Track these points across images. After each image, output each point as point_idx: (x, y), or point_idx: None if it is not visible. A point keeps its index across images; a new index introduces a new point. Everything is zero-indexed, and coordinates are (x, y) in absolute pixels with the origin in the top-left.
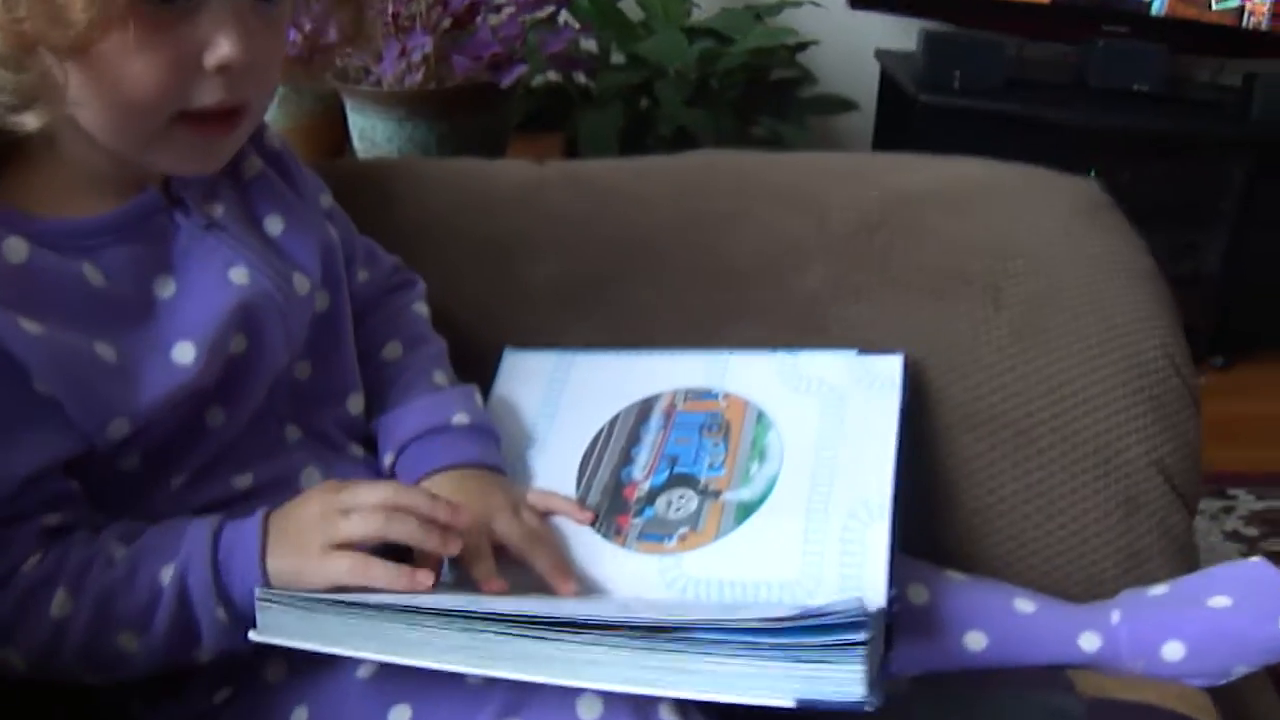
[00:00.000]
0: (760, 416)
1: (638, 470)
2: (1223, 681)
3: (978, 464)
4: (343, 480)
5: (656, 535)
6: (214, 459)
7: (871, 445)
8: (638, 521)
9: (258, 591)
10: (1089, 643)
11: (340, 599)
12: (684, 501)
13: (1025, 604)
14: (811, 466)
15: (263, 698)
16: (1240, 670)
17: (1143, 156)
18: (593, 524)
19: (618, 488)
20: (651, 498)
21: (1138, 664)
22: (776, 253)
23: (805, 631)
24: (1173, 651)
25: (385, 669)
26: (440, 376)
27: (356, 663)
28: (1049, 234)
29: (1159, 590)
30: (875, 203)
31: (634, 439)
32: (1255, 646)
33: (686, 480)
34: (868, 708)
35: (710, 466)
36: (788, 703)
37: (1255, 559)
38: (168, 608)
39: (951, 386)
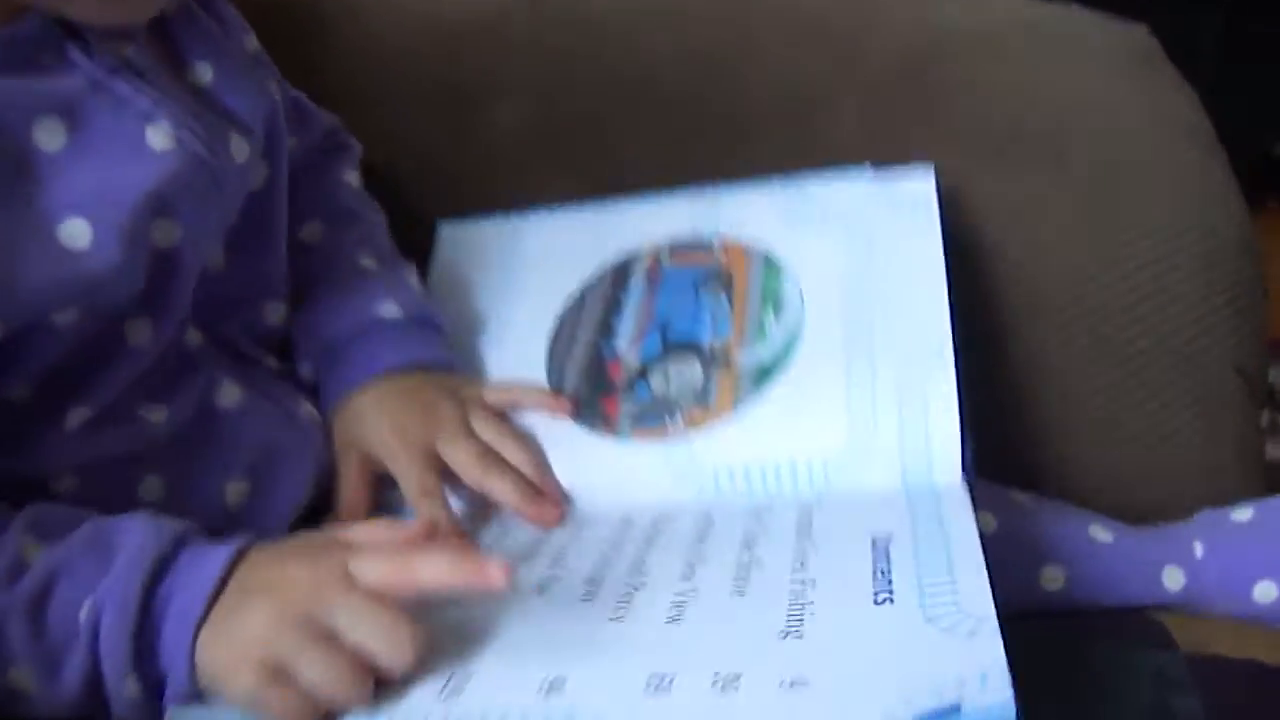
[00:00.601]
0: (768, 262)
1: (622, 342)
2: None
3: (1043, 360)
4: (343, 533)
5: (656, 417)
6: (126, 387)
7: (915, 279)
8: (630, 404)
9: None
10: (1173, 580)
11: None
12: (686, 372)
13: (1102, 532)
14: (842, 312)
15: None
16: None
17: None
18: (573, 415)
19: (599, 366)
20: (644, 372)
21: (1227, 605)
22: (797, 95)
23: None
24: (1265, 592)
25: None
26: (368, 259)
27: None
28: (1112, 88)
29: (1244, 514)
30: (914, 40)
31: (613, 306)
32: None
33: (686, 346)
34: None
35: (714, 328)
36: None
37: None
38: (82, 657)
39: (1013, 269)
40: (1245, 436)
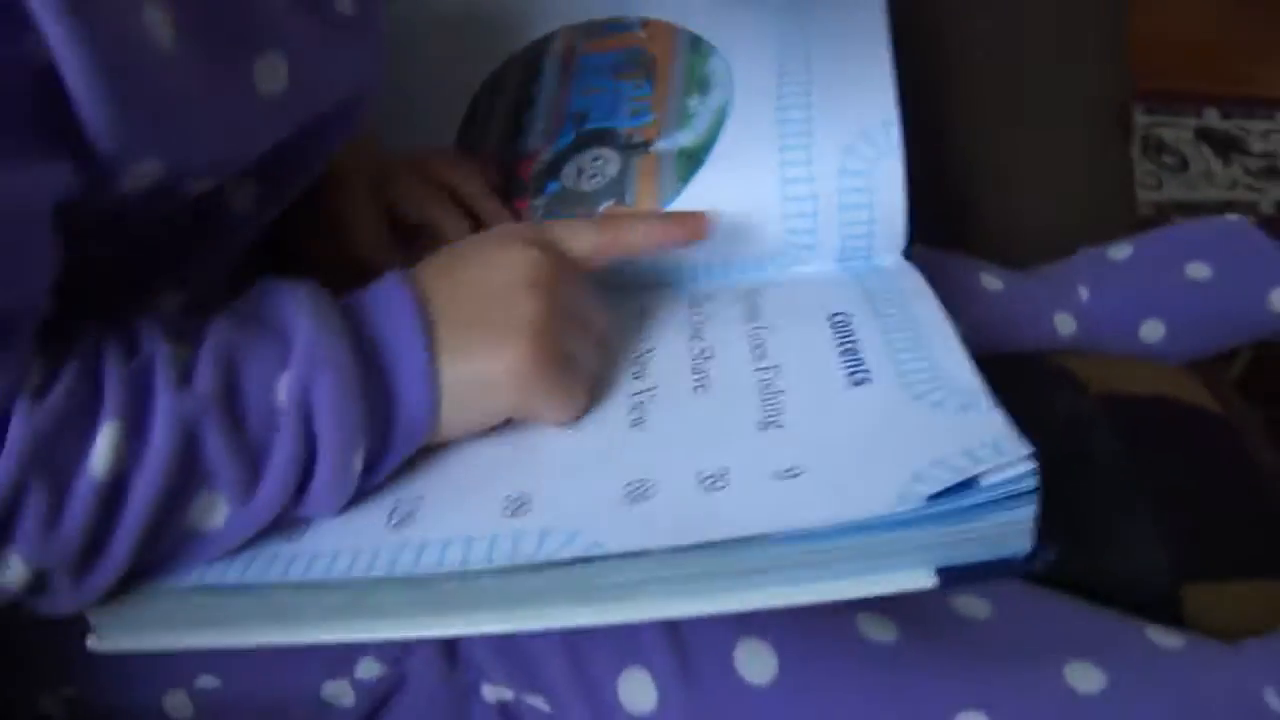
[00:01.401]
0: (696, 42)
1: (533, 138)
2: (1202, 356)
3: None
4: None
5: (569, 214)
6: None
7: (856, 51)
8: (539, 202)
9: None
10: (1064, 325)
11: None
12: (600, 165)
13: (991, 280)
14: (776, 89)
15: None
16: (1221, 347)
17: None
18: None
19: (509, 166)
20: (555, 168)
21: (1117, 345)
22: None
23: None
24: (1152, 331)
25: None
26: None
27: None
28: None
29: (1121, 252)
30: None
31: (523, 101)
32: (1243, 325)
33: (601, 136)
34: (1039, 566)
35: (633, 115)
36: (927, 583)
37: (1232, 216)
38: (290, 444)
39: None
40: (1122, 169)
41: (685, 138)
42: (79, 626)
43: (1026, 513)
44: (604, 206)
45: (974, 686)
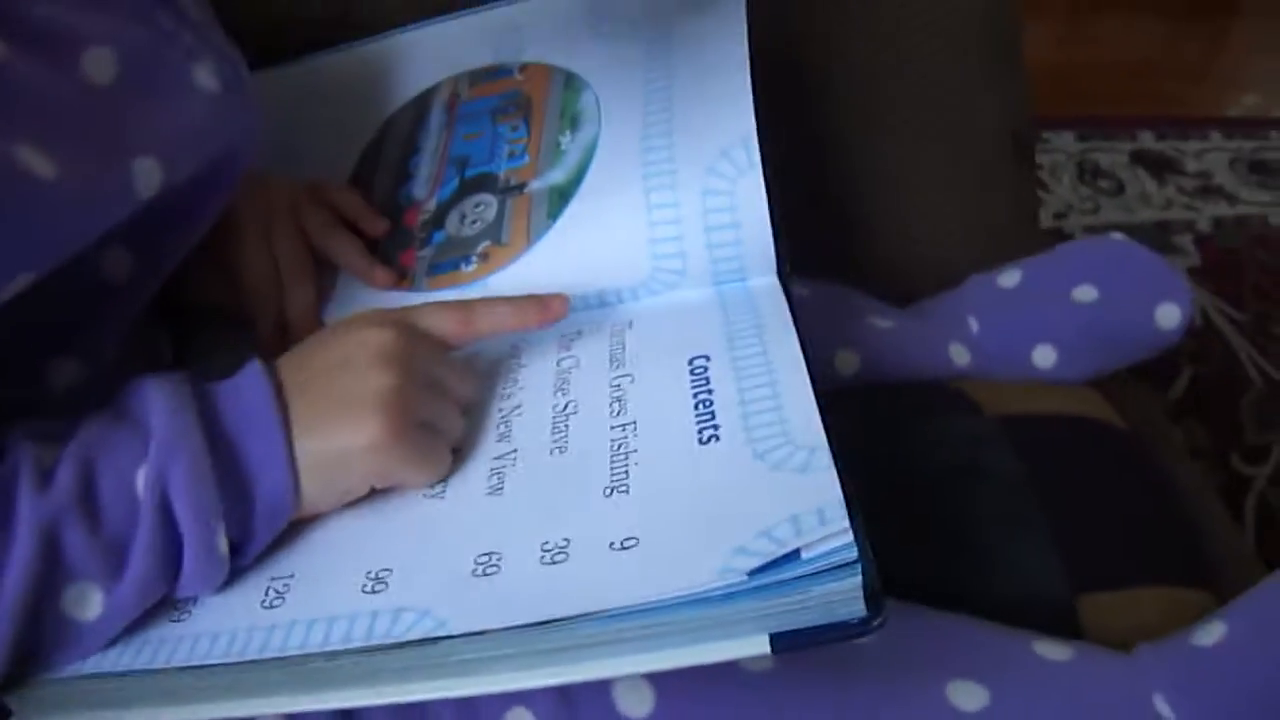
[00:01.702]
0: (570, 79)
1: (419, 187)
2: (1097, 377)
3: (820, 144)
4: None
5: (451, 263)
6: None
7: (716, 73)
8: (425, 253)
9: None
10: (959, 356)
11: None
12: (481, 210)
13: (881, 320)
14: (641, 119)
15: None
16: (1116, 366)
17: None
18: (389, 235)
19: (396, 215)
20: (440, 217)
21: (1011, 371)
22: None
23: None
24: (1043, 356)
25: None
26: None
27: None
28: None
29: (1011, 278)
30: None
31: (410, 148)
32: (1132, 345)
33: (483, 182)
34: (875, 628)
35: (510, 157)
36: (762, 649)
37: (1115, 235)
38: (148, 533)
39: (781, 50)
40: (1021, 194)
41: (556, 175)
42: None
43: (852, 583)
44: (481, 247)
45: (854, 709)
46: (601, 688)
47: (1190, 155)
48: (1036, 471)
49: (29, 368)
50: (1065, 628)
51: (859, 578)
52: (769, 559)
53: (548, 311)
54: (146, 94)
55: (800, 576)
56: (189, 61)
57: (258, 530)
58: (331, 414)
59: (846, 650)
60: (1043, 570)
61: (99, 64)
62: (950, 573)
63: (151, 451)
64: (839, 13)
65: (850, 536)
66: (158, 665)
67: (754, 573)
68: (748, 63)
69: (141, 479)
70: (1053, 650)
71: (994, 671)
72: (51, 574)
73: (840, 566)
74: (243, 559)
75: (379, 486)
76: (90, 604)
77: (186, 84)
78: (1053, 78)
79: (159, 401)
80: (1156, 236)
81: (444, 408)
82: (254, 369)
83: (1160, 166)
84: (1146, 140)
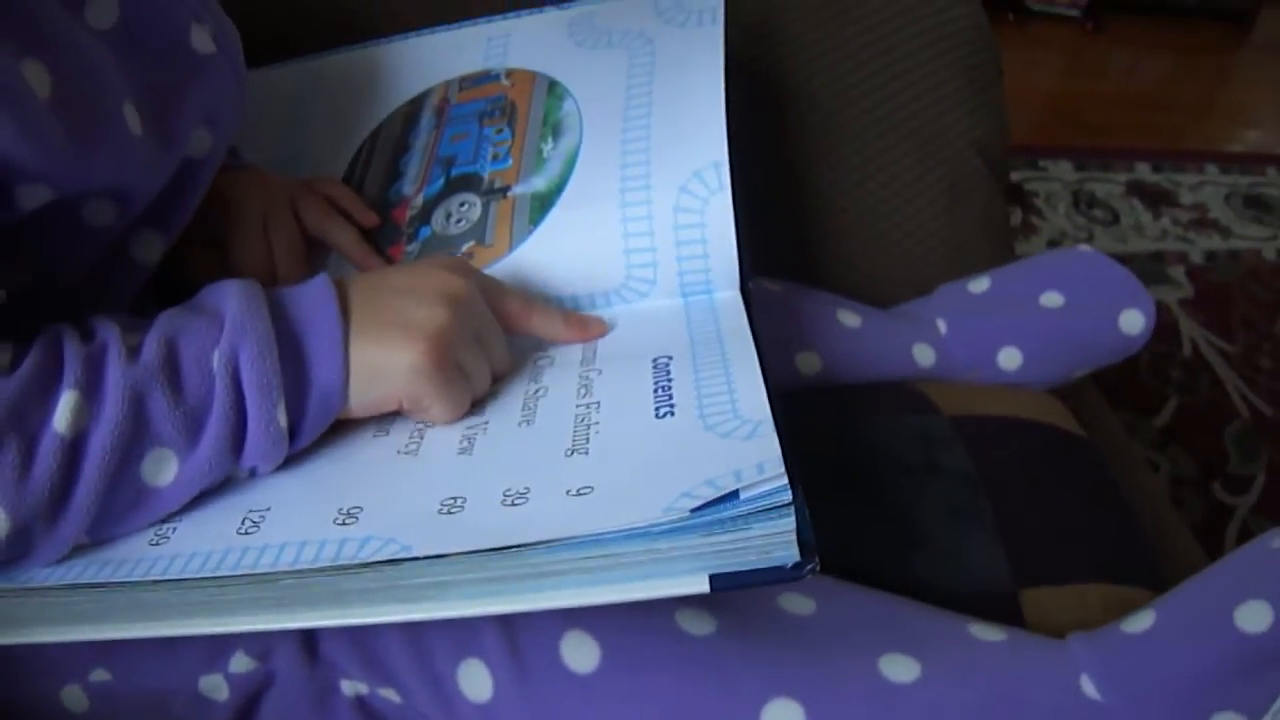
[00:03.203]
0: (553, 86)
1: (408, 185)
2: (1062, 382)
3: (789, 153)
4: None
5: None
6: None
7: (694, 95)
8: (412, 248)
9: None
10: (924, 356)
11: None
12: (466, 209)
13: (849, 316)
14: (621, 133)
15: None
16: (1081, 372)
17: None
18: (379, 229)
19: (386, 211)
20: (427, 214)
21: (975, 373)
22: None
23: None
24: (1009, 359)
25: None
26: None
27: None
28: None
29: (980, 285)
30: None
31: (401, 147)
32: (1096, 348)
33: (468, 181)
34: (806, 575)
35: (494, 159)
36: (701, 587)
37: (1083, 247)
38: (221, 405)
39: (754, 62)
40: (990, 214)
41: (539, 182)
42: None
43: (786, 524)
44: (465, 248)
45: (787, 676)
46: (549, 642)
47: (1186, 188)
48: (987, 470)
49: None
50: (1008, 620)
51: (792, 519)
52: (708, 500)
53: (587, 331)
54: (140, 43)
55: (738, 516)
56: (190, 21)
57: (310, 415)
58: (386, 329)
59: (784, 619)
60: (988, 563)
61: (102, 11)
62: (900, 563)
63: (225, 332)
64: (819, 25)
65: (785, 481)
66: (136, 578)
67: (696, 510)
68: (723, 87)
69: (217, 357)
70: (987, 632)
71: (927, 647)
72: (137, 437)
73: (776, 508)
74: (296, 442)
75: (407, 408)
76: (168, 469)
77: (184, 42)
78: (1055, 107)
79: (233, 294)
80: (1149, 267)
81: (480, 362)
82: (322, 279)
83: (1156, 198)
84: (1143, 172)
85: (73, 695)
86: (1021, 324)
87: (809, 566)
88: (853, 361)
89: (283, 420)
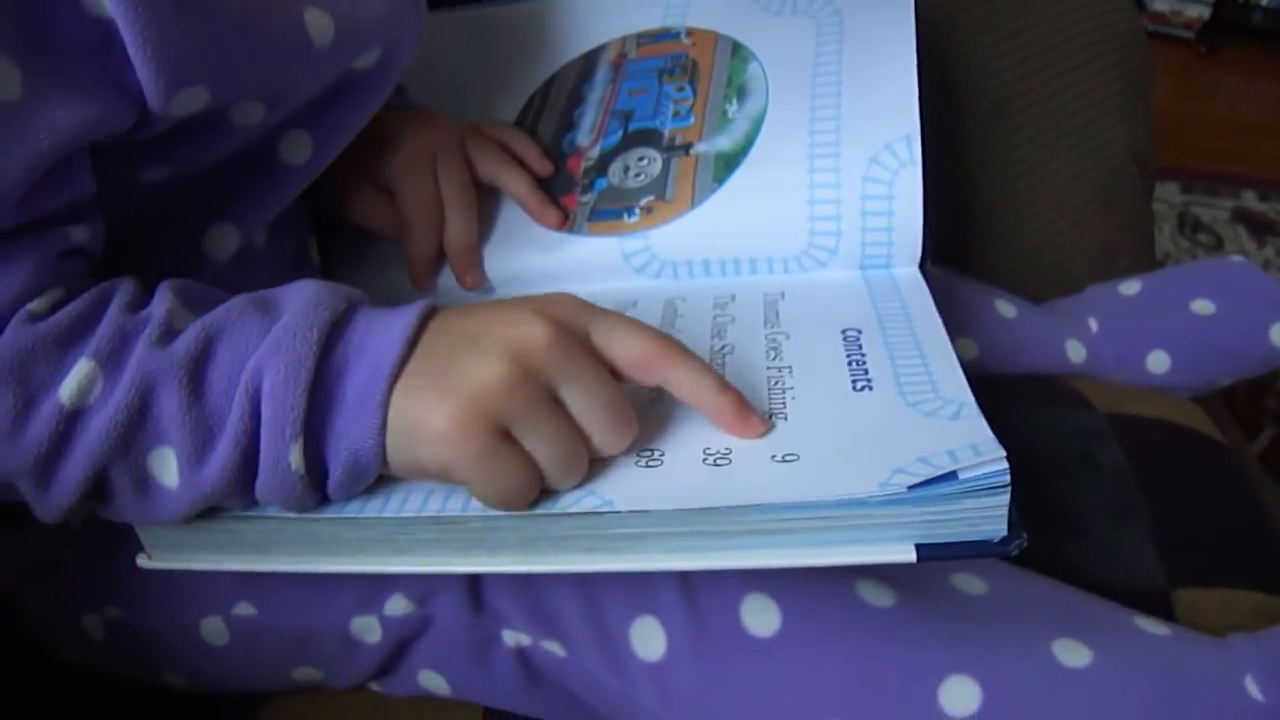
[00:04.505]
0: (737, 48)
1: (582, 135)
2: (1205, 390)
3: (953, 139)
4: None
5: (613, 211)
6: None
7: (885, 67)
8: (587, 199)
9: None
10: (1075, 352)
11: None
12: (645, 164)
13: (1006, 307)
14: (810, 100)
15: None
16: (1224, 381)
17: None
18: (551, 178)
19: (559, 161)
20: (603, 165)
21: (1124, 374)
22: None
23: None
24: (1157, 362)
25: None
26: None
27: None
28: None
29: (1131, 288)
30: None
31: (575, 99)
32: (1244, 359)
33: (646, 136)
34: (1013, 550)
35: (675, 116)
36: (907, 556)
37: (1237, 258)
38: (239, 426)
39: (927, 43)
40: (1139, 220)
41: (723, 142)
42: (125, 548)
43: (1000, 499)
44: (644, 201)
45: (964, 653)
46: (729, 604)
47: None
48: (1142, 469)
49: (191, 228)
50: (1162, 616)
51: (1006, 496)
52: (926, 478)
53: (747, 426)
54: None
55: (953, 493)
56: None
57: (336, 466)
58: (429, 382)
59: (960, 597)
60: (1143, 560)
61: None
62: (1057, 552)
63: (264, 343)
64: (995, 12)
65: (1005, 465)
66: (310, 514)
67: (913, 488)
68: (915, 60)
69: (247, 369)
70: (1153, 626)
71: (1099, 636)
72: (138, 430)
73: (991, 488)
74: (323, 490)
75: (444, 480)
76: (170, 472)
77: None
78: (1164, 127)
79: (301, 297)
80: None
81: (551, 433)
82: (415, 308)
83: (1261, 228)
84: (1249, 200)
85: (213, 627)
86: (1172, 328)
87: (1016, 541)
88: (1008, 351)
89: (295, 463)
